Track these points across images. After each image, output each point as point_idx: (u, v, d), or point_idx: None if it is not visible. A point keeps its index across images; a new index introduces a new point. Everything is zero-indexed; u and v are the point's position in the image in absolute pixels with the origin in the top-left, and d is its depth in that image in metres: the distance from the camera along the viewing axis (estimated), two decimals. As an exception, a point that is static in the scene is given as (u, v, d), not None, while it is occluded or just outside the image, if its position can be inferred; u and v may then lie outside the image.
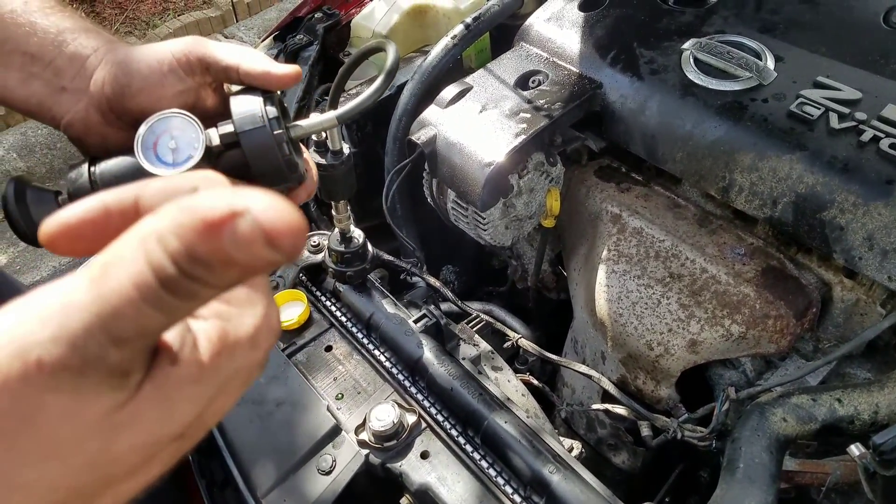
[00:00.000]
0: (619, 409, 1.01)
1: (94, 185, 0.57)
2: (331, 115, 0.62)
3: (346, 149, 0.82)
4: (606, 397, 1.06)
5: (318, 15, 1.36)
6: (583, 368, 0.98)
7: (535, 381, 1.06)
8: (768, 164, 0.92)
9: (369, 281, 0.99)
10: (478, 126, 1.04)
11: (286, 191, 0.62)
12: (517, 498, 0.78)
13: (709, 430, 0.92)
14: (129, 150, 0.58)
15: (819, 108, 0.92)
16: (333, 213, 0.90)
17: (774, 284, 0.95)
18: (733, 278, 0.96)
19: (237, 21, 3.88)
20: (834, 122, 0.91)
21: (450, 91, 1.09)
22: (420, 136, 1.05)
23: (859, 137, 0.88)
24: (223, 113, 0.59)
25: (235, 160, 0.58)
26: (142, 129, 0.55)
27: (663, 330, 0.98)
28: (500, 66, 1.13)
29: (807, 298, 0.95)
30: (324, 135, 0.80)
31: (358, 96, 0.63)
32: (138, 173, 0.56)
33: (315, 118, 0.62)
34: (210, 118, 0.58)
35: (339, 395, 0.90)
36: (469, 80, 1.12)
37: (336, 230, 0.93)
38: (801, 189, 0.89)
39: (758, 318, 0.94)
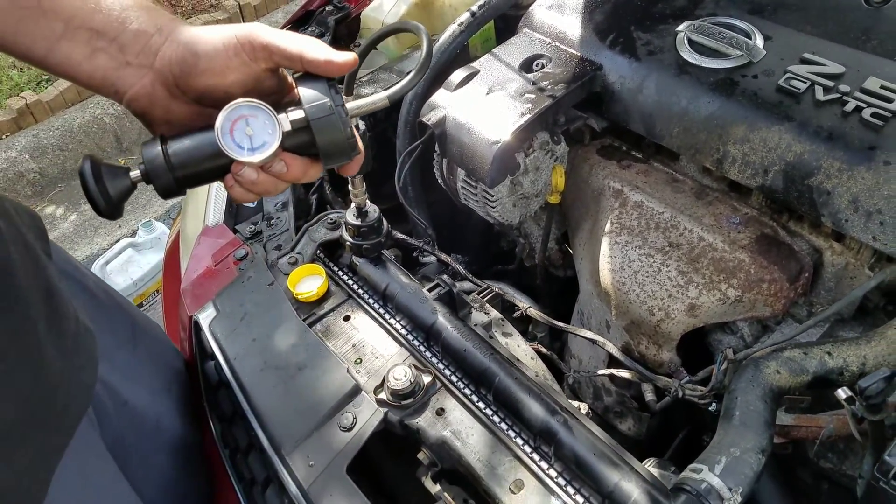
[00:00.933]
0: (624, 373, 1.06)
1: (168, 162, 0.63)
2: (382, 94, 0.69)
3: (363, 126, 0.87)
4: (612, 364, 1.12)
5: (328, 8, 1.42)
6: (588, 334, 1.03)
7: (544, 350, 1.12)
8: (759, 135, 0.97)
9: (384, 255, 1.04)
10: (485, 107, 1.09)
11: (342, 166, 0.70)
12: (527, 448, 0.83)
13: (708, 389, 0.97)
14: (196, 130, 0.64)
15: (805, 82, 0.98)
16: (350, 188, 0.95)
17: (768, 250, 1.01)
18: (729, 245, 1.02)
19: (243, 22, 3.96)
20: (819, 94, 0.96)
21: (458, 75, 1.15)
22: (430, 118, 1.11)
23: (843, 108, 0.94)
24: (279, 93, 0.66)
25: (302, 140, 0.65)
26: (220, 117, 0.62)
27: (664, 296, 1.04)
28: (505, 51, 1.19)
29: (799, 263, 1.00)
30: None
31: (405, 77, 0.69)
32: (214, 154, 0.63)
33: (368, 98, 0.69)
34: (267, 97, 0.65)
35: (358, 360, 0.96)
36: (476, 64, 1.17)
37: (353, 205, 0.99)
38: (789, 157, 0.95)
39: (753, 282, 0.99)
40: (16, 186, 2.99)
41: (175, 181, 0.66)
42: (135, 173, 0.67)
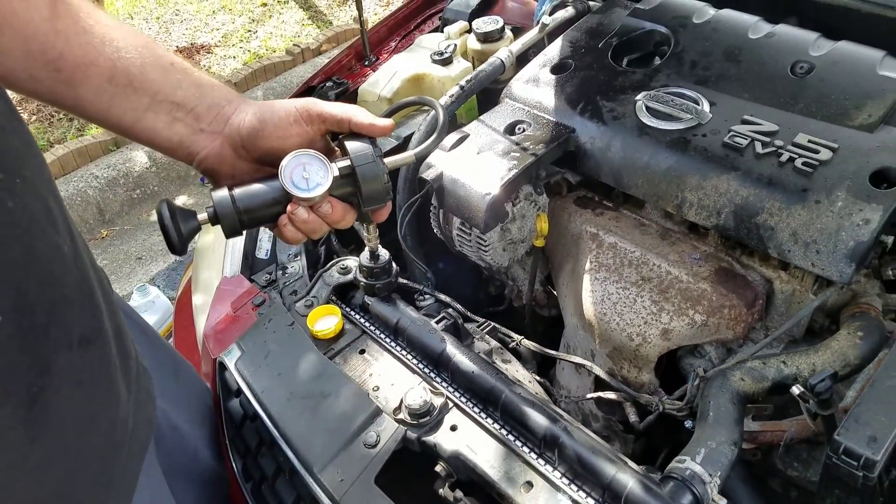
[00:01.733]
0: (610, 395, 1.19)
1: (235, 205, 0.77)
2: (410, 153, 0.85)
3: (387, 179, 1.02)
4: (598, 389, 1.25)
5: (328, 84, 1.59)
6: (577, 359, 1.17)
7: (536, 378, 1.25)
8: (711, 182, 1.15)
9: (394, 294, 1.17)
10: (476, 164, 1.26)
11: (376, 210, 0.84)
12: (533, 454, 0.95)
13: (685, 402, 1.11)
14: (257, 179, 0.79)
15: (746, 139, 1.16)
16: (364, 234, 1.09)
17: (726, 281, 1.17)
18: (693, 277, 1.18)
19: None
20: (759, 148, 1.15)
21: (451, 138, 1.32)
22: (429, 174, 1.26)
23: (779, 159, 1.12)
24: (327, 154, 0.81)
25: (347, 188, 0.80)
26: (284, 161, 0.76)
27: (640, 323, 1.19)
28: (491, 118, 1.37)
29: (753, 291, 1.16)
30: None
31: (428, 139, 0.86)
32: (274, 199, 0.78)
33: (400, 155, 0.85)
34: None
35: (376, 388, 1.07)
36: (466, 129, 1.34)
37: (366, 249, 1.12)
38: (738, 200, 1.12)
39: (715, 308, 1.15)
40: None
41: (239, 222, 0.79)
42: (202, 216, 0.80)
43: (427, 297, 1.28)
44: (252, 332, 1.18)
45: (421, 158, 0.86)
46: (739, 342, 1.22)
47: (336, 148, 0.87)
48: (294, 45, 4.54)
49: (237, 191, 0.79)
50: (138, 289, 2.41)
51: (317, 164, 0.78)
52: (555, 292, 1.44)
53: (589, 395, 1.21)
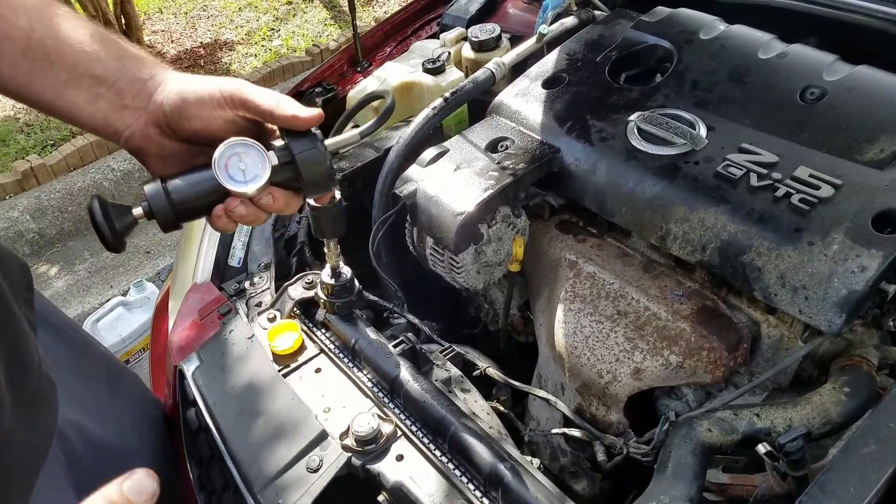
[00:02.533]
0: (575, 433, 1.13)
1: (168, 198, 0.72)
2: (355, 132, 0.79)
3: (338, 194, 0.97)
4: (566, 424, 1.18)
5: (318, 89, 1.55)
6: (541, 393, 1.10)
7: (502, 408, 1.19)
8: (697, 215, 1.08)
9: (355, 313, 1.13)
10: (452, 182, 1.20)
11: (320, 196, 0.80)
12: (478, 493, 0.89)
13: (650, 447, 1.04)
14: (191, 169, 0.74)
15: (742, 169, 1.09)
16: (325, 250, 1.05)
17: (708, 321, 1.10)
18: (672, 315, 1.11)
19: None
20: (754, 180, 1.07)
21: (429, 153, 1.27)
22: (403, 190, 1.22)
23: (774, 193, 1.05)
24: (259, 138, 0.76)
25: (287, 175, 0.75)
26: (216, 154, 0.71)
27: (612, 360, 1.12)
28: (474, 133, 1.31)
29: (738, 334, 1.09)
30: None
31: (370, 121, 0.81)
32: (210, 189, 0.72)
33: (342, 136, 0.80)
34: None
35: (327, 409, 1.03)
36: (447, 144, 1.29)
37: (328, 266, 1.08)
38: (724, 236, 1.05)
39: (693, 349, 1.08)
40: (15, 245, 3.08)
41: (175, 215, 0.74)
42: (137, 210, 0.75)
43: (398, 315, 1.23)
44: (212, 343, 1.15)
45: (364, 135, 0.81)
46: (720, 386, 1.15)
47: (274, 130, 0.82)
48: (314, 44, 4.54)
49: (171, 182, 0.74)
50: (135, 284, 2.41)
51: (253, 153, 0.73)
52: (532, 317, 1.38)
53: (554, 431, 1.14)
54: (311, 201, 0.98)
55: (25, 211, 3.17)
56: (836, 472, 0.78)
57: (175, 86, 0.74)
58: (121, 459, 1.01)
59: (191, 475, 1.14)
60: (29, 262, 2.53)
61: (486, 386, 1.26)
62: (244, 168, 0.73)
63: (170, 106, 0.73)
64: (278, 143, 0.76)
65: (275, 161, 0.75)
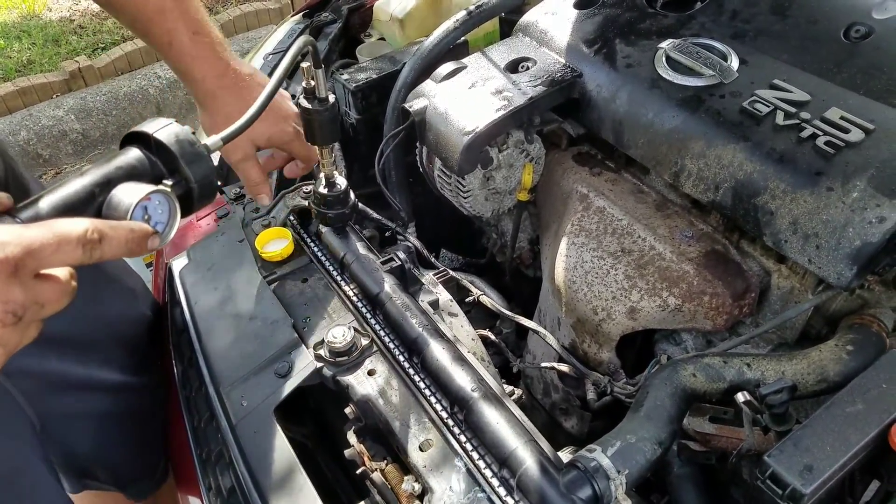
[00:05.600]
0: (563, 367, 1.10)
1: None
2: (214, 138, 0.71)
3: (332, 97, 0.93)
4: (559, 362, 1.15)
5: (344, -4, 1.50)
6: (531, 324, 1.07)
7: (492, 336, 1.16)
8: (715, 152, 1.00)
9: (349, 226, 1.10)
10: (465, 100, 1.15)
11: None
12: (444, 414, 0.88)
13: (635, 388, 1.01)
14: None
15: (769, 106, 1.00)
16: (319, 158, 1.02)
17: (715, 265, 1.04)
18: (677, 256, 1.05)
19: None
20: (780, 119, 0.99)
21: (445, 68, 1.21)
22: (413, 105, 1.17)
23: (799, 134, 0.96)
24: None
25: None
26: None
27: (608, 297, 1.07)
28: (495, 51, 1.25)
29: (745, 282, 1.03)
30: (312, 82, 0.92)
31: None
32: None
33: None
34: None
35: (307, 318, 1.02)
36: (465, 60, 1.23)
37: (322, 175, 1.05)
38: (740, 176, 0.98)
39: (694, 293, 1.02)
40: (59, 143, 3.15)
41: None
42: None
43: (404, 238, 1.20)
44: (203, 243, 1.15)
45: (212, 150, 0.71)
46: (722, 335, 1.09)
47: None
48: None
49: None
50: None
51: (157, 200, 0.64)
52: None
53: (543, 364, 1.12)
54: (303, 102, 0.94)
55: (71, 111, 3.23)
56: (814, 428, 0.73)
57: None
58: (74, 353, 1.03)
59: (175, 371, 1.16)
60: (72, 161, 2.59)
61: (492, 317, 1.23)
62: (148, 217, 0.64)
63: None
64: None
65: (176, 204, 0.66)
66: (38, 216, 0.56)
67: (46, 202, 0.57)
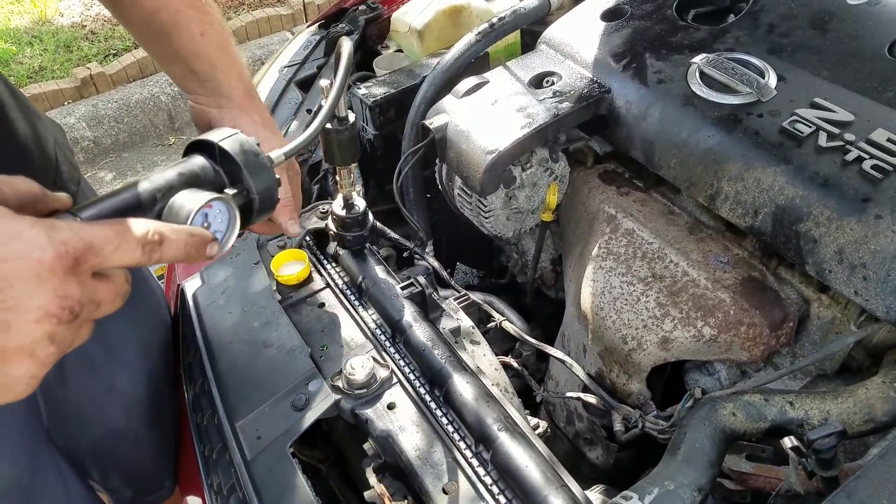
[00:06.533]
0: (590, 398, 1.05)
1: None
2: (277, 152, 0.69)
3: (351, 117, 0.89)
4: (585, 390, 1.10)
5: (362, 7, 1.45)
6: (556, 353, 1.02)
7: (515, 364, 1.12)
8: (753, 174, 0.95)
9: (367, 249, 1.06)
10: (487, 117, 1.10)
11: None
12: (468, 452, 0.83)
13: (669, 424, 0.96)
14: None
15: (810, 127, 0.96)
16: (337, 178, 0.97)
17: (752, 294, 0.98)
18: (712, 283, 1.00)
19: (306, 21, 4.06)
20: (822, 140, 0.94)
21: (467, 83, 1.16)
22: (433, 122, 1.12)
23: (844, 157, 0.91)
24: None
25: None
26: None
27: (639, 325, 1.02)
28: (519, 65, 1.20)
29: (783, 311, 0.98)
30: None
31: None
32: None
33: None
34: None
35: (324, 346, 0.97)
36: (488, 75, 1.19)
37: (340, 196, 1.01)
38: (781, 200, 0.93)
39: (731, 323, 0.97)
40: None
41: None
42: None
43: (421, 257, 1.16)
44: (217, 265, 1.10)
45: (289, 155, 0.70)
46: (757, 366, 1.04)
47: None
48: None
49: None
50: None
51: (218, 208, 0.63)
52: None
53: (569, 394, 1.07)
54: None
55: (82, 118, 3.20)
56: (869, 480, 0.68)
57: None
58: (104, 385, 1.00)
59: (185, 397, 1.12)
60: (83, 170, 2.56)
61: (512, 339, 1.18)
62: (208, 224, 0.63)
63: None
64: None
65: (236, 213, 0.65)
66: (100, 216, 0.56)
67: (108, 203, 0.57)
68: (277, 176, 0.68)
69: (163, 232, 0.55)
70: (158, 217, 0.59)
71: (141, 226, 0.53)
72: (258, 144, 0.66)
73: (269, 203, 0.68)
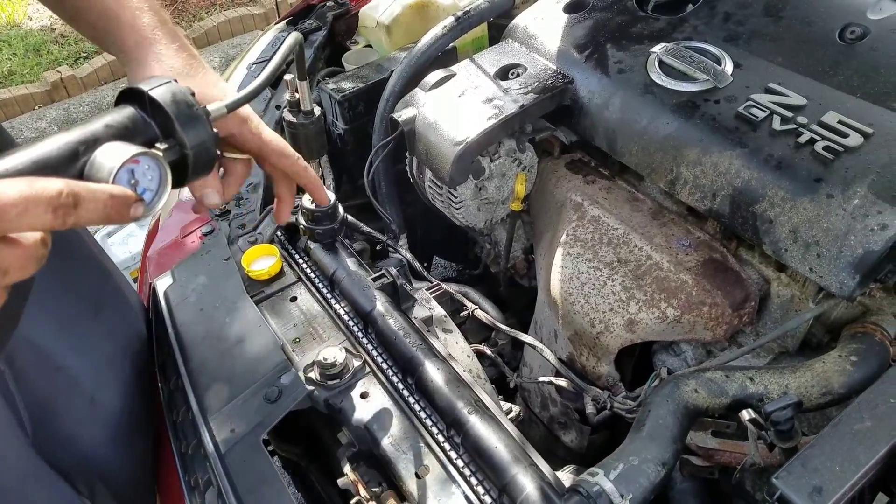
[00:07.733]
0: (561, 382, 1.07)
1: None
2: (217, 104, 0.64)
3: (317, 110, 0.90)
4: (557, 375, 1.13)
5: (329, 3, 1.46)
6: (527, 338, 1.05)
7: (489, 351, 1.14)
8: (711, 159, 0.98)
9: (339, 242, 1.07)
10: (454, 109, 1.12)
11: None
12: (440, 437, 0.85)
13: (636, 404, 0.98)
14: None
15: (765, 111, 0.98)
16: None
17: (713, 275, 1.01)
18: (674, 266, 1.02)
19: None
20: (776, 124, 0.97)
21: (434, 76, 1.18)
22: (402, 115, 1.14)
23: (797, 139, 0.94)
24: None
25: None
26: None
27: (605, 309, 1.05)
28: (484, 58, 1.22)
29: (744, 291, 1.01)
30: (296, 95, 0.89)
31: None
32: None
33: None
34: None
35: (296, 339, 0.98)
36: (454, 67, 1.20)
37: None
38: (737, 183, 0.95)
39: (693, 304, 1.00)
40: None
41: None
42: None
43: (395, 250, 1.18)
44: (188, 262, 1.11)
45: (231, 108, 0.65)
46: (722, 346, 1.07)
47: None
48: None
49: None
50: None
51: (146, 164, 0.56)
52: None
53: (541, 379, 1.09)
54: (287, 115, 0.91)
55: (54, 122, 3.17)
56: (823, 448, 0.71)
57: None
58: (87, 393, 0.99)
59: (161, 394, 1.13)
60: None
61: (487, 328, 1.20)
62: (136, 182, 0.56)
63: None
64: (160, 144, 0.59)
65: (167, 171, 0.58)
66: (6, 174, 0.48)
67: (19, 157, 0.49)
68: (216, 130, 0.61)
69: (77, 192, 0.48)
70: (80, 175, 0.52)
71: (52, 185, 0.46)
72: (193, 94, 0.60)
73: (206, 160, 0.61)
